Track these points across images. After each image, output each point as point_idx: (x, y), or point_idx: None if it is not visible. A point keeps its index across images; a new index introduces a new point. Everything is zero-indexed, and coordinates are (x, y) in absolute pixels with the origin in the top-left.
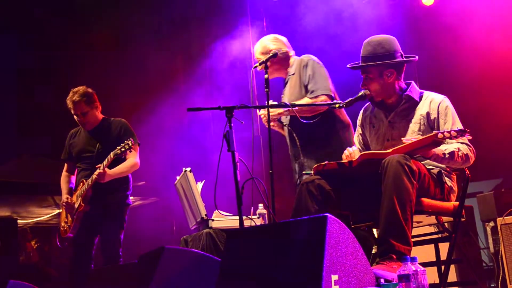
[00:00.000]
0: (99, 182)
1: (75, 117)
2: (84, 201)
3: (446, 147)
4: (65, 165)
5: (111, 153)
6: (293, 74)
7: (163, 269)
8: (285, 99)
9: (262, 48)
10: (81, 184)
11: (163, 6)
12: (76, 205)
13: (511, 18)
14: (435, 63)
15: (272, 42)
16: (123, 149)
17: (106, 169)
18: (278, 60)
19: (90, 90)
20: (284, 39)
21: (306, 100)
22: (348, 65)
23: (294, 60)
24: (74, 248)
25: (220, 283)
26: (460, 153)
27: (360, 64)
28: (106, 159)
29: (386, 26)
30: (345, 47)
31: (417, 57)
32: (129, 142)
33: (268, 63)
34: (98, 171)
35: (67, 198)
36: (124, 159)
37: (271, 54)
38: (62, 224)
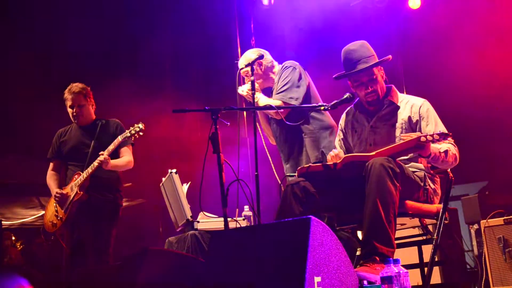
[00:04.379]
0: (102, 167)
1: (69, 110)
2: (81, 189)
3: (441, 146)
4: (51, 164)
5: (119, 136)
6: (276, 82)
7: (147, 271)
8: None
9: (246, 61)
10: (77, 175)
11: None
12: (72, 195)
13: (499, 21)
14: (422, 66)
15: (255, 54)
16: (133, 131)
17: (109, 158)
18: (265, 70)
19: (88, 87)
20: (266, 51)
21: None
22: (354, 70)
23: (278, 69)
24: (71, 243)
25: (205, 284)
26: (451, 153)
27: (359, 69)
28: (113, 143)
29: (373, 29)
30: (332, 50)
31: (391, 56)
32: (140, 125)
33: (255, 66)
34: (102, 157)
35: (57, 192)
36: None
37: (257, 56)
38: (51, 218)
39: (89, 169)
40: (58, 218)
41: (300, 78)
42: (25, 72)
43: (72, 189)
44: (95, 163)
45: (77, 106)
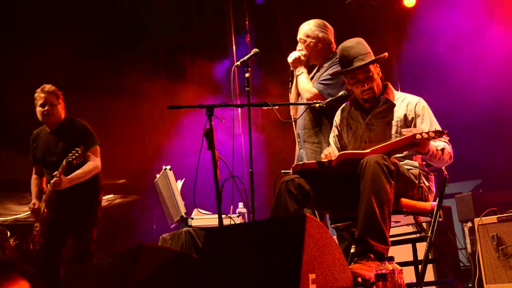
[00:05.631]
0: (57, 189)
1: (39, 109)
2: (47, 207)
3: (438, 143)
4: (33, 168)
5: (64, 161)
6: (325, 67)
7: (140, 267)
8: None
9: (309, 31)
10: (49, 185)
11: None
12: (41, 212)
13: (495, 18)
14: (416, 63)
15: (320, 29)
16: (73, 157)
17: (62, 176)
18: (321, 49)
19: (61, 91)
20: (331, 28)
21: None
22: (350, 68)
23: (333, 55)
24: (44, 249)
25: (198, 281)
26: (446, 151)
27: (355, 66)
28: (61, 167)
29: (368, 26)
30: None
31: (387, 54)
32: (79, 150)
33: (314, 40)
34: (54, 179)
35: (34, 204)
36: (84, 162)
37: (252, 53)
38: (34, 230)
39: (49, 187)
40: (37, 229)
41: None
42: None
43: (42, 204)
44: (49, 186)
45: (49, 104)
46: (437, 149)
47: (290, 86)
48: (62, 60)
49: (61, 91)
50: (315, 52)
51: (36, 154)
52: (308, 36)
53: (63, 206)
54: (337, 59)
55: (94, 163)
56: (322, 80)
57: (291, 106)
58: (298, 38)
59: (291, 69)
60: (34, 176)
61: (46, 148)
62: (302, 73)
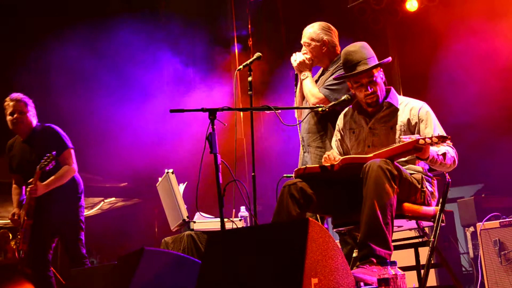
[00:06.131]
0: (34, 196)
1: (9, 118)
2: (27, 215)
3: (439, 149)
4: (13, 177)
5: (37, 167)
6: (330, 70)
7: (142, 271)
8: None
9: (314, 34)
10: (26, 197)
11: None
12: (21, 220)
13: (496, 23)
14: (418, 68)
15: (325, 32)
16: (45, 163)
17: (38, 182)
18: (326, 51)
19: (30, 99)
20: (336, 31)
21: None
22: (354, 72)
23: (339, 58)
24: (29, 255)
25: (200, 285)
26: (449, 155)
27: (359, 70)
28: (35, 174)
29: (370, 31)
30: None
31: (391, 58)
32: (50, 156)
33: (318, 44)
34: (29, 186)
35: (13, 214)
36: (59, 168)
37: (255, 57)
38: (17, 239)
39: (27, 194)
40: (19, 237)
41: None
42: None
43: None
44: (26, 193)
45: (18, 112)
46: (437, 154)
47: (295, 90)
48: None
49: (31, 99)
50: (320, 55)
51: (12, 164)
52: (312, 39)
53: (44, 211)
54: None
55: (68, 166)
56: (328, 85)
57: (297, 110)
58: (302, 42)
59: (296, 72)
60: (14, 185)
61: (21, 157)
62: (307, 77)
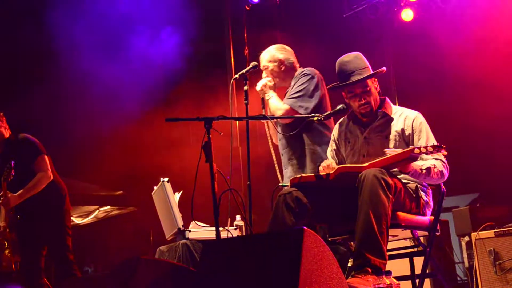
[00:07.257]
0: (7, 208)
1: None
2: (9, 228)
3: (423, 163)
4: None
5: (1, 179)
6: (291, 85)
7: (137, 280)
8: None
9: (270, 57)
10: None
11: None
12: (6, 233)
13: (491, 32)
14: (413, 77)
15: (280, 51)
16: (6, 173)
17: (9, 194)
18: (285, 70)
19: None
20: (291, 50)
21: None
22: (348, 82)
23: (299, 72)
24: (21, 264)
25: None
26: (436, 170)
27: (352, 80)
28: (2, 186)
29: (366, 40)
30: (325, 61)
31: (385, 68)
32: (9, 165)
33: (277, 64)
34: (1, 199)
35: (2, 223)
36: (33, 174)
37: (251, 66)
38: (9, 252)
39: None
40: (9, 250)
41: (316, 88)
42: None
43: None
44: None
45: None
46: (421, 169)
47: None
48: None
49: (1, 112)
50: (281, 74)
51: None
52: (270, 61)
53: (27, 219)
54: (301, 74)
55: (42, 173)
56: (291, 94)
57: (270, 133)
58: (261, 67)
59: (262, 97)
60: None
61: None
62: (271, 97)
